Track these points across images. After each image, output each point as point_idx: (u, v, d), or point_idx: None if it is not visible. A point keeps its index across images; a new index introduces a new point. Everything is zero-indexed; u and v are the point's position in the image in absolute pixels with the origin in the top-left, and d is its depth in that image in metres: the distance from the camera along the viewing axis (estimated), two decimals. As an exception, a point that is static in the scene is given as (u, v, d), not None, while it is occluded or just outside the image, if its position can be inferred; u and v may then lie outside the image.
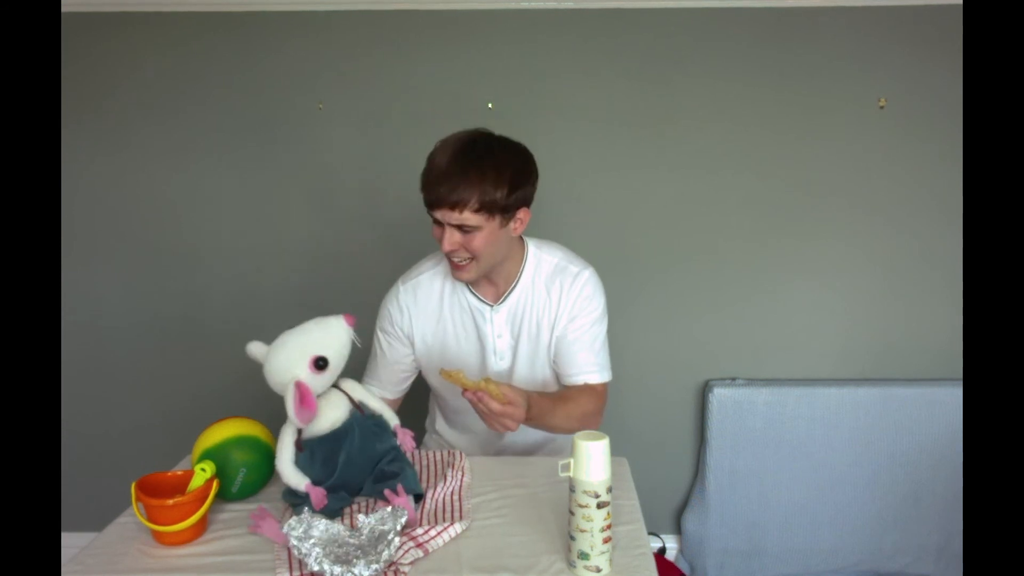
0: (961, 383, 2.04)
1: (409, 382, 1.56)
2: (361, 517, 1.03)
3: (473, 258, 1.32)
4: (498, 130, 2.03)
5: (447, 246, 1.30)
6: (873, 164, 2.05)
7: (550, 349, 1.46)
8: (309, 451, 1.13)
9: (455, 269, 1.36)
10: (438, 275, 1.47)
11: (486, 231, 1.30)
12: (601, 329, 1.47)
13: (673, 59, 2.02)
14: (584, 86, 2.03)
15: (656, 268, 2.13)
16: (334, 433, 1.14)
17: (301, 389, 1.07)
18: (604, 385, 1.47)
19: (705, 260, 2.12)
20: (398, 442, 1.21)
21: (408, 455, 1.23)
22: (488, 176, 1.26)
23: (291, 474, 1.11)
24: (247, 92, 2.06)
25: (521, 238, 1.45)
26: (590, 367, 1.45)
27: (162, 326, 2.19)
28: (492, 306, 1.44)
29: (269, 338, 2.23)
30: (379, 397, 1.25)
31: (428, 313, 1.47)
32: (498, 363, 1.47)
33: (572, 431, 1.38)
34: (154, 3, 2.01)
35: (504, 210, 1.30)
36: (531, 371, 1.48)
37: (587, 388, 1.45)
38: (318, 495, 1.10)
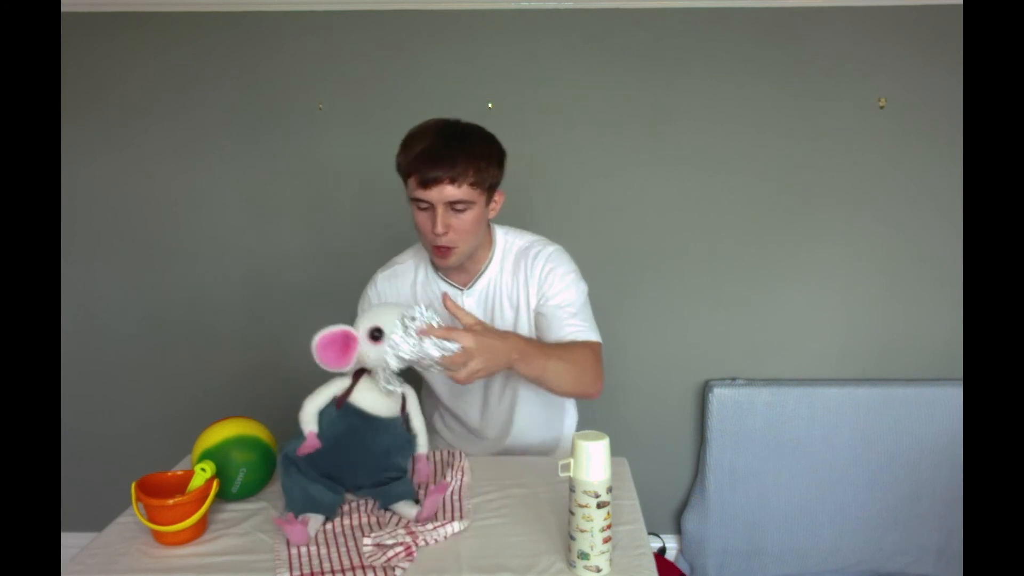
0: (961, 383, 2.04)
1: None
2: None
3: (459, 242, 1.33)
4: (498, 130, 2.04)
5: (440, 227, 1.29)
6: (873, 164, 2.05)
7: (529, 330, 1.46)
8: (344, 412, 1.13)
9: (439, 254, 1.35)
10: (411, 267, 1.50)
11: (476, 209, 1.32)
12: (579, 294, 1.42)
13: (673, 59, 2.02)
14: (584, 86, 2.03)
15: (656, 268, 2.13)
16: (373, 419, 1.14)
17: (344, 336, 1.08)
18: (598, 343, 1.39)
19: (705, 260, 2.12)
20: (417, 467, 1.23)
21: (418, 488, 1.22)
22: (479, 151, 1.30)
23: (310, 416, 1.11)
24: (247, 92, 2.06)
25: (489, 224, 1.47)
26: (576, 329, 1.37)
27: (162, 326, 2.19)
28: (463, 290, 1.45)
29: (270, 337, 2.23)
30: (423, 418, 1.24)
31: (401, 300, 1.48)
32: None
33: (572, 381, 1.30)
34: (154, 3, 2.01)
35: (491, 188, 1.34)
36: None
37: (581, 342, 1.35)
38: (311, 443, 1.10)
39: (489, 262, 1.45)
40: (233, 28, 2.03)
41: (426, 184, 1.27)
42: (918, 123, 2.02)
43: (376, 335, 1.07)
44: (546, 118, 2.04)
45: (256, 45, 2.04)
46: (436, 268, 1.46)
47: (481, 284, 1.45)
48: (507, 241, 1.47)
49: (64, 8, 1.91)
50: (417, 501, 1.16)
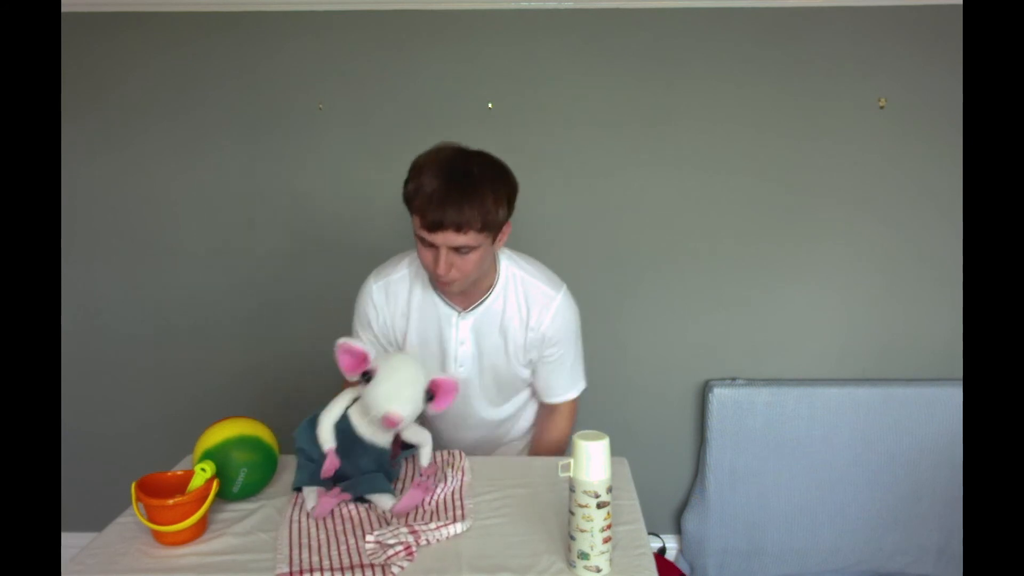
0: (961, 383, 2.04)
1: None
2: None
3: (461, 278, 1.31)
4: (498, 130, 2.04)
5: (443, 268, 1.27)
6: (873, 164, 2.05)
7: (516, 365, 1.47)
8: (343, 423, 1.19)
9: (441, 286, 1.35)
10: (407, 279, 1.45)
11: (482, 249, 1.28)
12: (578, 346, 1.52)
13: (673, 59, 2.02)
14: (584, 86, 2.03)
15: (656, 268, 2.13)
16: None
17: (363, 356, 1.18)
18: (576, 399, 1.56)
19: (705, 260, 2.12)
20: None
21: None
22: (488, 196, 1.24)
23: (328, 432, 1.17)
24: (247, 92, 2.06)
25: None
26: (570, 385, 1.54)
27: (162, 326, 2.19)
28: (460, 312, 1.42)
29: (270, 337, 2.23)
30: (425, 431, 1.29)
31: (397, 314, 1.45)
32: (457, 370, 1.46)
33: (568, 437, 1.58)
34: (154, 3, 2.01)
35: (499, 227, 1.30)
36: (495, 386, 1.49)
37: (563, 407, 1.55)
38: (332, 463, 1.16)
39: (491, 291, 1.42)
40: (233, 28, 2.03)
41: (431, 229, 1.23)
42: (918, 123, 2.02)
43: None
44: (546, 118, 2.04)
45: (256, 45, 2.04)
46: (435, 287, 1.43)
47: (480, 311, 1.42)
48: (512, 272, 1.44)
49: (64, 8, 1.91)
50: (393, 494, 1.17)
